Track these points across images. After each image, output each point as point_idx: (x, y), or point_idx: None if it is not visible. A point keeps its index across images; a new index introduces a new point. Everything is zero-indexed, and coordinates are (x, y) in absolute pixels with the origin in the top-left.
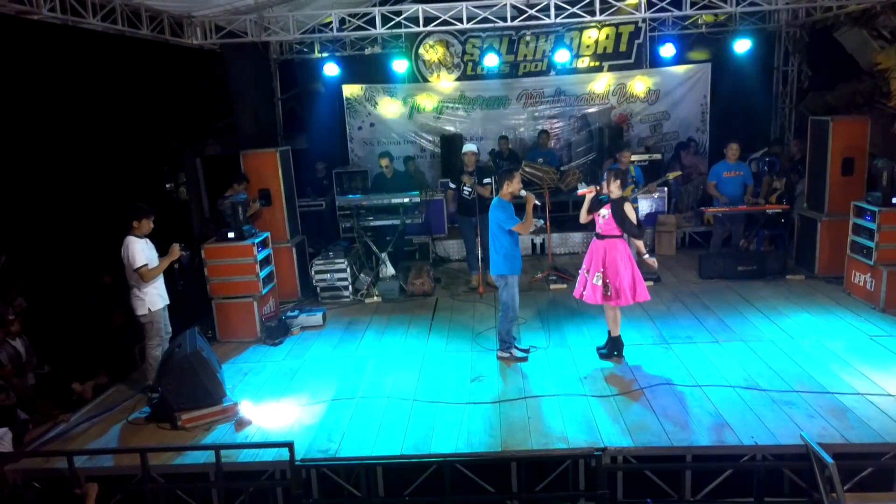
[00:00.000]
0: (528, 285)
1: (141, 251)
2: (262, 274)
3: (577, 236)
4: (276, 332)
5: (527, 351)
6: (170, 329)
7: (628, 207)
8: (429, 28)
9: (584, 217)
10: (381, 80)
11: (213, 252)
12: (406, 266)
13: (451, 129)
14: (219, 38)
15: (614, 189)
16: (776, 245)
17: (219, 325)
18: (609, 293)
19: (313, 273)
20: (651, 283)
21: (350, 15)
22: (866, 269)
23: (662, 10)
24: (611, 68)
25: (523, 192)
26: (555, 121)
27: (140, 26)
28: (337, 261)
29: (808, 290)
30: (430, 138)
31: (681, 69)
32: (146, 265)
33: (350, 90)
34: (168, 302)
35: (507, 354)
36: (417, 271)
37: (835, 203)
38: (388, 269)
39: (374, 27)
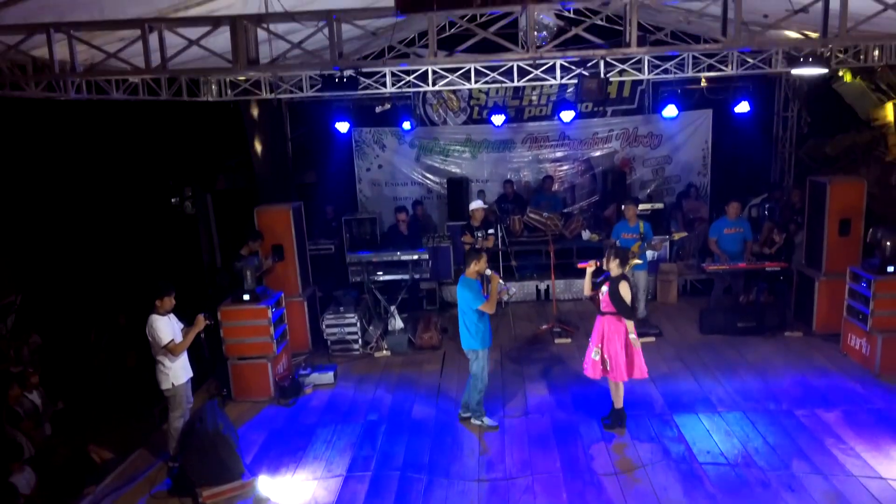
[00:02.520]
0: (533, 337)
1: (165, 327)
2: (276, 335)
3: (580, 283)
4: (289, 391)
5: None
6: (191, 399)
7: (623, 287)
8: (437, 88)
9: (587, 290)
10: (390, 123)
11: (229, 314)
12: (414, 317)
13: (457, 171)
14: (234, 95)
15: (614, 267)
16: (776, 295)
17: (234, 385)
18: (607, 367)
19: (324, 327)
20: (653, 338)
21: (361, 74)
22: (862, 334)
23: (666, 71)
24: (614, 113)
25: (488, 272)
26: (559, 164)
27: (160, 92)
28: (347, 316)
29: (805, 348)
30: (437, 180)
31: (683, 115)
32: (173, 340)
33: (359, 133)
34: (191, 375)
35: (479, 422)
36: (426, 324)
37: (832, 263)
38: (397, 323)
39: (385, 87)
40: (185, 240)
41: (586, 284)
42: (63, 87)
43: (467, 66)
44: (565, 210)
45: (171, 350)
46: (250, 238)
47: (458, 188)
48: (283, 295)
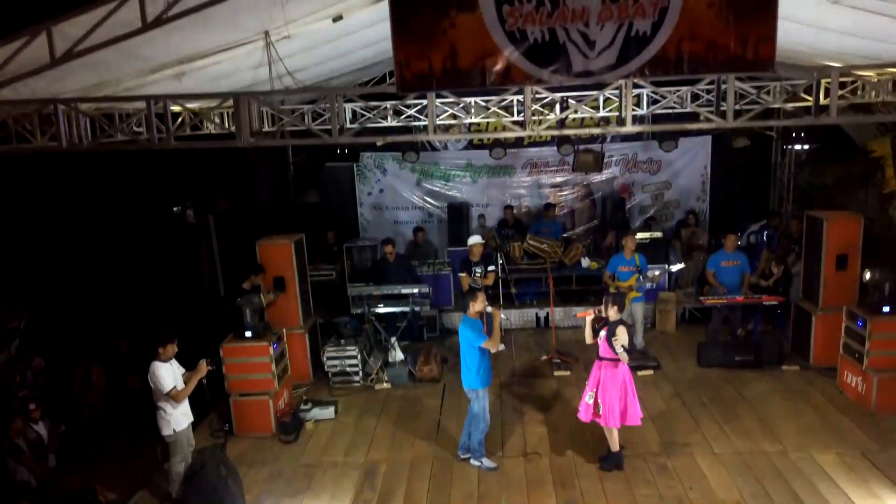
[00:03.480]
0: (533, 369)
1: (167, 375)
2: (277, 370)
3: (579, 310)
4: (291, 428)
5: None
6: (193, 442)
7: (621, 330)
8: (437, 122)
9: (588, 339)
10: (391, 148)
11: (230, 351)
12: (414, 348)
13: (458, 195)
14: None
15: (612, 314)
16: (773, 325)
17: (236, 420)
18: (600, 412)
19: (325, 359)
20: (651, 371)
21: (363, 108)
22: (858, 372)
23: (665, 107)
24: (613, 139)
25: (489, 309)
26: (559, 189)
27: (164, 134)
28: (348, 348)
29: (802, 384)
30: (438, 204)
31: (682, 141)
32: (175, 387)
33: (360, 157)
34: (192, 420)
35: (478, 463)
36: (426, 356)
37: (829, 297)
38: (398, 354)
39: (386, 120)
40: (186, 262)
41: (587, 333)
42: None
43: (468, 100)
44: (565, 234)
45: (173, 397)
46: (252, 272)
47: (459, 213)
48: (284, 331)
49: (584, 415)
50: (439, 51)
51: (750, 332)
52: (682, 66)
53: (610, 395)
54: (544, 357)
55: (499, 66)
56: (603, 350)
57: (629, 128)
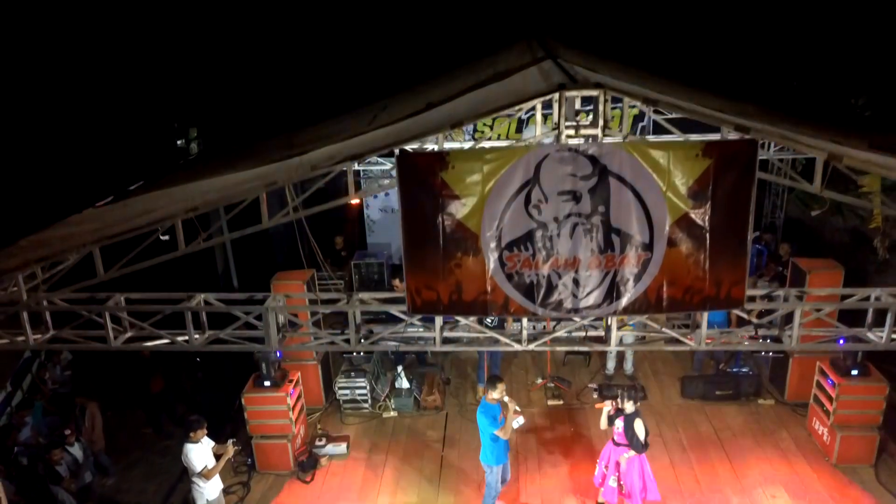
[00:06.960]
0: (527, 397)
1: (198, 456)
2: (294, 415)
3: (597, 401)
4: (307, 466)
5: None
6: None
7: (638, 424)
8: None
9: (603, 426)
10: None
11: (251, 400)
12: (419, 374)
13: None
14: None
15: (628, 406)
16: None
17: (258, 459)
18: (624, 492)
19: (337, 389)
20: (638, 403)
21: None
22: (825, 423)
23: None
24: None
25: (506, 398)
26: None
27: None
28: (358, 380)
29: (775, 423)
30: None
31: None
32: (206, 466)
33: (367, 165)
34: (222, 486)
35: None
36: (430, 386)
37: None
38: (404, 383)
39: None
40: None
41: (603, 420)
42: None
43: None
44: None
45: (206, 476)
46: None
47: None
48: (299, 375)
49: (609, 496)
50: (446, 285)
51: (733, 357)
52: (661, 306)
53: (631, 478)
54: (540, 381)
55: (499, 301)
56: (620, 438)
57: (612, 346)
